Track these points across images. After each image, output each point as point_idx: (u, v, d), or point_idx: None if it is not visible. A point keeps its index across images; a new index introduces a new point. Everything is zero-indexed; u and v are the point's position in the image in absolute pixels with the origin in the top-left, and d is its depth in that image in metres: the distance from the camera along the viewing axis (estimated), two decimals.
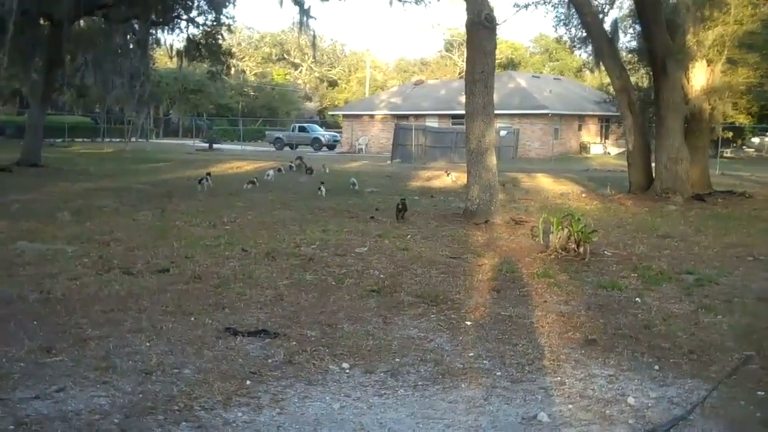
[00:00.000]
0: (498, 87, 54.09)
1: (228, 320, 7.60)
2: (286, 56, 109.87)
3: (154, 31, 36.24)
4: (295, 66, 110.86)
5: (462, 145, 48.62)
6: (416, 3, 30.13)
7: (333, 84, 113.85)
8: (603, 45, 22.11)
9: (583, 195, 22.38)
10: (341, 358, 6.56)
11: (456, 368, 6.37)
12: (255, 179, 23.76)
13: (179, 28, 35.12)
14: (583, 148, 59.45)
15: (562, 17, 27.56)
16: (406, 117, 59.19)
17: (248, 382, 5.92)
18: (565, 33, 28.42)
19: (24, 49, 29.31)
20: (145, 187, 22.63)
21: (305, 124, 69.21)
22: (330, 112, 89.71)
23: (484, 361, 6.58)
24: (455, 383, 6.03)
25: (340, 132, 69.78)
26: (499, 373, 6.26)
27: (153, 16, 33.37)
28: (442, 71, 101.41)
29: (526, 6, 25.56)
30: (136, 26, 34.88)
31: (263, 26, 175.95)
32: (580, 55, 33.47)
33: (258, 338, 7.04)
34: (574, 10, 24.24)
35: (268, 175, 26.26)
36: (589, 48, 27.69)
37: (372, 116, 64.84)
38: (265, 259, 10.78)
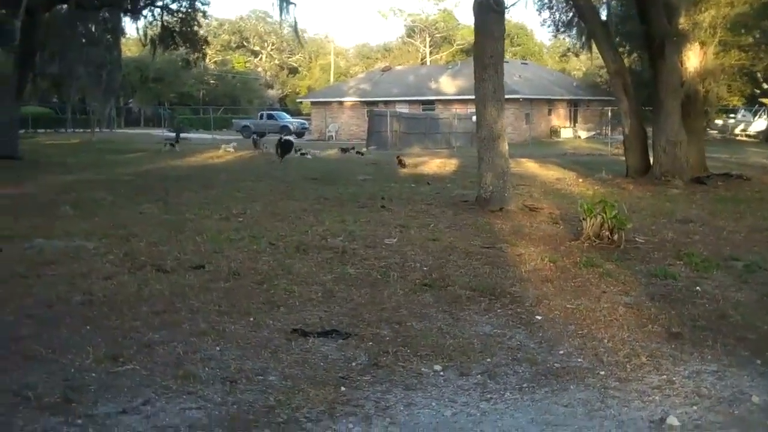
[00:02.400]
0: (467, 73, 54.06)
1: (289, 320, 7.20)
2: (245, 44, 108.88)
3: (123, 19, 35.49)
4: (255, 53, 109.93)
5: (435, 131, 48.84)
6: None
7: (294, 71, 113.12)
8: (596, 28, 21.86)
9: (580, 180, 22.12)
10: (428, 359, 6.18)
11: (555, 368, 6.02)
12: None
13: (152, 15, 34.26)
14: (554, 132, 59.49)
15: (546, 0, 27.20)
16: (376, 104, 58.79)
17: (343, 389, 5.53)
18: (549, 17, 28.06)
19: None
20: (132, 178, 22.04)
21: (273, 112, 68.50)
22: (298, 99, 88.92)
23: (579, 359, 6.24)
24: (562, 385, 5.67)
25: (308, 119, 69.11)
26: (602, 373, 5.92)
27: (125, 4, 32.62)
28: (405, 57, 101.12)
29: None
30: (107, 14, 34.13)
31: (221, 13, 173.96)
32: (563, 39, 32.94)
33: (330, 339, 6.65)
34: None
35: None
36: (573, 32, 27.54)
37: (341, 103, 64.34)
38: (297, 253, 10.35)
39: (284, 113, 71.41)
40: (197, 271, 9.13)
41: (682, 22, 20.69)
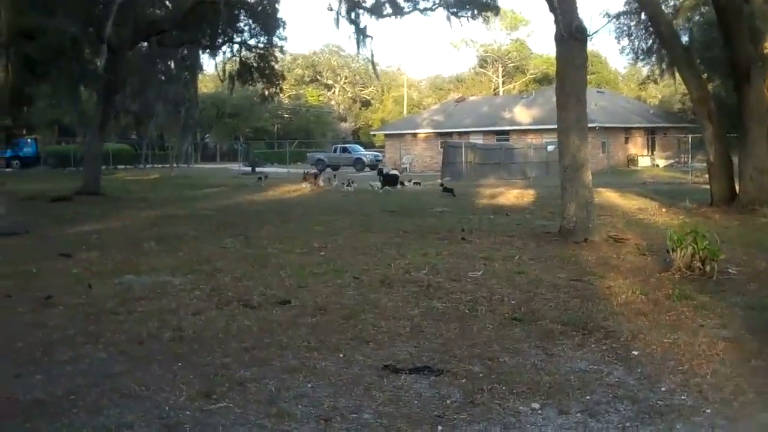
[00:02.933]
0: (541, 103, 53.71)
1: (379, 355, 7.10)
2: (318, 77, 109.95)
3: (201, 56, 36.18)
4: (328, 87, 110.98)
5: (510, 161, 48.57)
6: (472, 18, 29.75)
7: (366, 104, 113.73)
8: (678, 54, 21.54)
9: (664, 210, 21.62)
10: (524, 396, 6.02)
11: (657, 406, 5.80)
12: None
13: (231, 51, 34.89)
14: (631, 160, 58.69)
15: (625, 28, 26.93)
16: (449, 135, 58.82)
17: (440, 428, 5.41)
18: (629, 44, 27.76)
19: (72, 77, 29.14)
20: (212, 213, 22.25)
21: (347, 145, 68.90)
22: (371, 132, 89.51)
23: (682, 396, 6.00)
24: (668, 423, 5.45)
25: (381, 152, 69.29)
26: (708, 411, 5.68)
27: (205, 41, 33.22)
28: (478, 88, 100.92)
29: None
30: (185, 52, 34.78)
31: (295, 48, 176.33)
32: (641, 66, 32.59)
33: (422, 375, 6.53)
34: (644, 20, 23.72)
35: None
36: (653, 59, 27.18)
37: (415, 135, 64.51)
38: (382, 287, 10.28)
39: (358, 146, 71.78)
40: (283, 306, 9.12)
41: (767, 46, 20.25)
